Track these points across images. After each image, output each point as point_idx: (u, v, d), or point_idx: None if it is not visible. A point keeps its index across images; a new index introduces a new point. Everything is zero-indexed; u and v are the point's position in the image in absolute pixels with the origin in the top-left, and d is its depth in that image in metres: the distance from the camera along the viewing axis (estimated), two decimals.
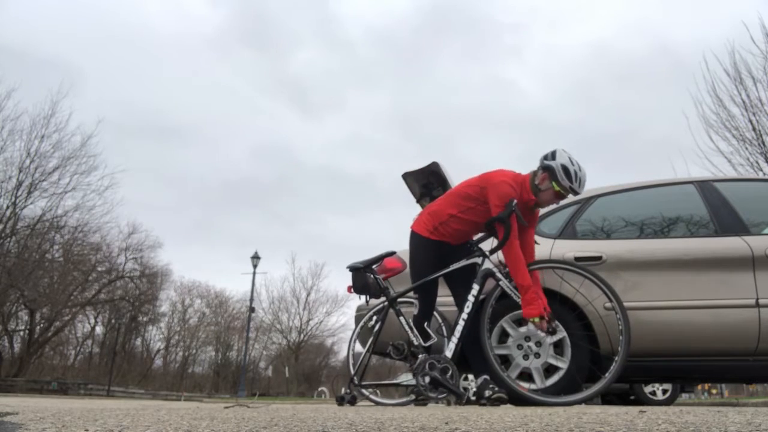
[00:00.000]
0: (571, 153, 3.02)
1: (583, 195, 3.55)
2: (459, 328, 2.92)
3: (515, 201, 2.89)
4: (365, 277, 3.25)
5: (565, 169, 2.94)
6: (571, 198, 3.52)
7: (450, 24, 57.47)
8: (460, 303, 3.03)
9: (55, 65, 37.54)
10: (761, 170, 10.72)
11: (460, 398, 2.88)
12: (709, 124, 11.30)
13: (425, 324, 3.13)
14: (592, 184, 3.60)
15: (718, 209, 3.33)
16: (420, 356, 2.96)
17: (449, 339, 2.94)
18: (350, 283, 3.31)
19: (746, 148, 10.93)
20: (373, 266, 3.31)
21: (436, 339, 3.09)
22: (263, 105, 55.05)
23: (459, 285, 3.11)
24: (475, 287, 2.97)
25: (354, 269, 3.28)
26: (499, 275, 2.99)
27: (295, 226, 54.21)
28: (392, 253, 3.48)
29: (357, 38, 58.05)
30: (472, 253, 3.12)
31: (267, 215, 55.99)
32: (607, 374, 2.85)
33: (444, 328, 3.31)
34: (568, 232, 3.39)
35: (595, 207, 3.51)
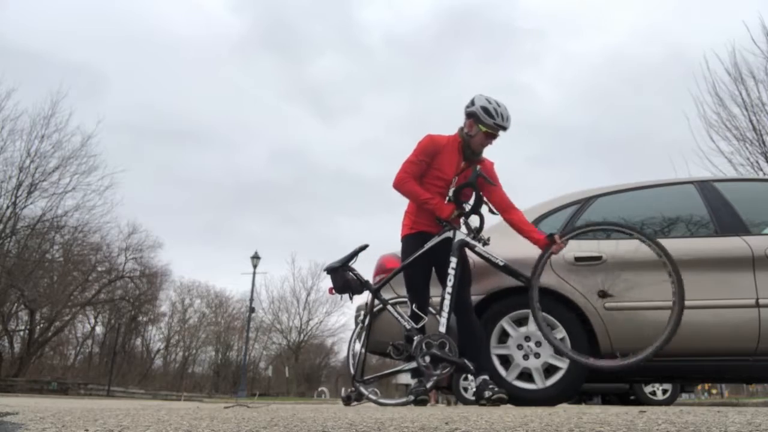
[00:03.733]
0: (488, 95, 3.17)
1: (583, 195, 3.56)
2: (446, 303, 2.95)
3: (479, 167, 3.08)
4: (344, 275, 3.23)
5: (485, 109, 3.11)
6: (570, 198, 3.54)
7: (470, 30, 57.84)
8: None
9: (80, 69, 38.39)
10: (761, 170, 10.72)
11: (462, 368, 2.89)
12: (710, 124, 11.31)
13: (414, 306, 3.12)
14: (600, 184, 3.62)
15: (718, 209, 3.33)
16: (415, 338, 2.97)
17: (440, 315, 2.96)
18: (330, 285, 3.28)
19: (747, 148, 10.94)
20: (350, 263, 3.27)
21: (426, 319, 3.08)
22: (282, 109, 55.82)
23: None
24: (453, 260, 3.00)
25: (331, 270, 3.25)
26: (473, 242, 3.03)
27: (307, 229, 54.85)
28: (366, 247, 3.41)
29: (377, 44, 58.52)
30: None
31: (279, 218, 56.70)
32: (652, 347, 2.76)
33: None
34: (568, 231, 3.38)
35: (595, 207, 3.50)
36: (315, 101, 58.55)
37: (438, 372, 2.86)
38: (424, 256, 3.11)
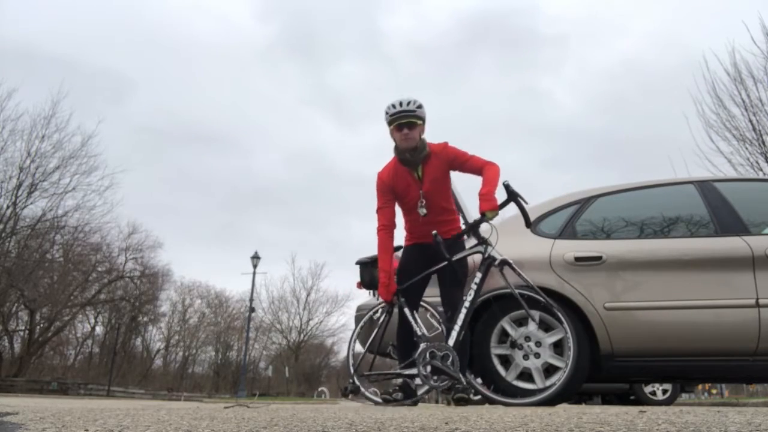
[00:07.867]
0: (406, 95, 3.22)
1: (583, 195, 3.55)
2: (461, 316, 2.93)
3: (508, 182, 3.06)
4: (372, 272, 3.31)
5: (385, 112, 3.22)
6: (571, 198, 3.54)
7: (493, 36, 58.29)
8: (447, 302, 3.08)
9: (108, 75, 38.71)
10: (761, 170, 10.71)
11: (459, 383, 2.87)
12: (710, 124, 11.29)
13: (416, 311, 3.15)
14: (605, 184, 3.60)
15: (718, 209, 3.32)
16: (421, 345, 2.95)
17: (452, 327, 2.95)
18: (359, 279, 3.39)
19: (746, 148, 10.92)
20: None
21: (439, 329, 3.10)
22: (304, 115, 56.81)
23: (447, 283, 3.14)
24: (478, 275, 3.00)
25: (361, 264, 3.35)
26: (510, 261, 3.01)
27: (317, 230, 55.54)
28: (400, 248, 3.48)
29: (399, 50, 59.34)
30: (465, 247, 3.17)
31: (290, 220, 57.45)
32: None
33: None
34: (568, 232, 3.39)
35: (595, 207, 3.50)
36: (335, 106, 59.63)
37: (434, 383, 2.86)
38: (427, 267, 3.15)
